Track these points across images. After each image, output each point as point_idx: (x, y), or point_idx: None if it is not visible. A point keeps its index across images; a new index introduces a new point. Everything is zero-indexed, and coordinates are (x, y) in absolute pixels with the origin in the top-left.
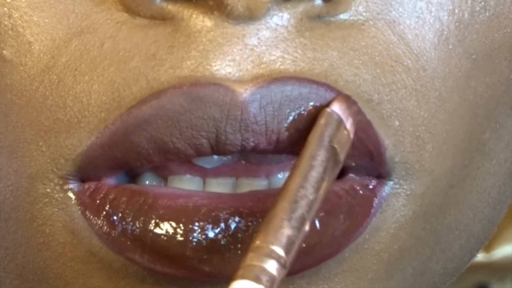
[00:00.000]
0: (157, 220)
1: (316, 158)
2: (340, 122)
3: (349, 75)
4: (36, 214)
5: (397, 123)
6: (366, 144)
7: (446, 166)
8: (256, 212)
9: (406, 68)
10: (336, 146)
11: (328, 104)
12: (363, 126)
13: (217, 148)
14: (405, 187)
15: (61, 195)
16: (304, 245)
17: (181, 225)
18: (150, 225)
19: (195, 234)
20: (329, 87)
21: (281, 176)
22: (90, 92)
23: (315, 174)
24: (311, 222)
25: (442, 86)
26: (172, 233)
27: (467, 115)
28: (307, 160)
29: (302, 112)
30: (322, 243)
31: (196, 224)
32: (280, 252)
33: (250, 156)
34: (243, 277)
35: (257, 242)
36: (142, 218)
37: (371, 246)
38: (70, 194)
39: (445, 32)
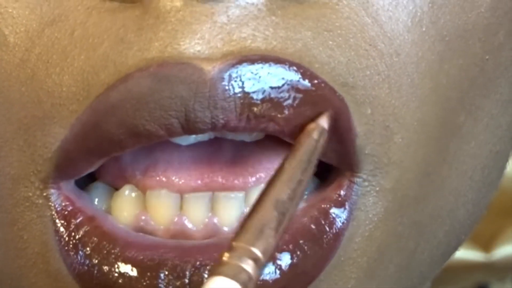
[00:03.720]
0: (123, 271)
1: (304, 172)
2: (325, 136)
3: (323, 56)
4: (17, 218)
5: (369, 111)
6: (339, 128)
7: (417, 156)
8: None
9: (380, 52)
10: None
11: (319, 115)
12: (341, 109)
13: (188, 127)
14: (373, 183)
15: (40, 201)
16: None
17: (146, 278)
18: (115, 274)
19: (161, 286)
20: (301, 67)
21: (256, 189)
22: (61, 85)
23: (299, 186)
24: (279, 266)
25: (414, 71)
26: (137, 285)
27: (439, 100)
28: (296, 171)
29: (272, 90)
30: (292, 283)
31: (161, 277)
32: (259, 254)
33: (226, 169)
34: (220, 274)
35: (236, 242)
36: (107, 267)
37: (348, 256)
38: (49, 203)
39: (419, 14)
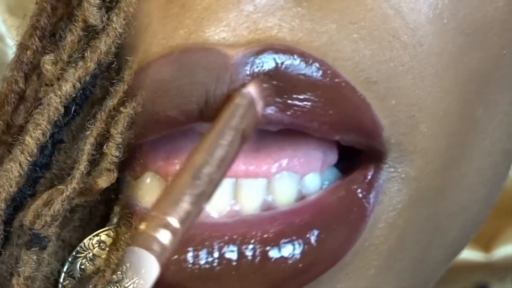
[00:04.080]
0: None
1: (224, 137)
2: (252, 104)
3: (348, 51)
4: None
5: (393, 102)
6: (364, 126)
7: (440, 147)
8: (250, 238)
9: (403, 44)
10: (244, 127)
11: (246, 84)
12: (362, 108)
13: (207, 112)
14: (399, 170)
15: None
16: (300, 265)
17: (175, 254)
18: None
19: (189, 262)
20: (324, 64)
21: (279, 176)
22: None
23: (221, 152)
24: (307, 241)
25: (437, 62)
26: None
27: (460, 92)
28: (216, 137)
29: (292, 81)
30: (320, 259)
31: (190, 253)
32: (175, 223)
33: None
34: (134, 244)
35: (153, 212)
36: None
37: (371, 242)
38: None
39: (439, 6)
